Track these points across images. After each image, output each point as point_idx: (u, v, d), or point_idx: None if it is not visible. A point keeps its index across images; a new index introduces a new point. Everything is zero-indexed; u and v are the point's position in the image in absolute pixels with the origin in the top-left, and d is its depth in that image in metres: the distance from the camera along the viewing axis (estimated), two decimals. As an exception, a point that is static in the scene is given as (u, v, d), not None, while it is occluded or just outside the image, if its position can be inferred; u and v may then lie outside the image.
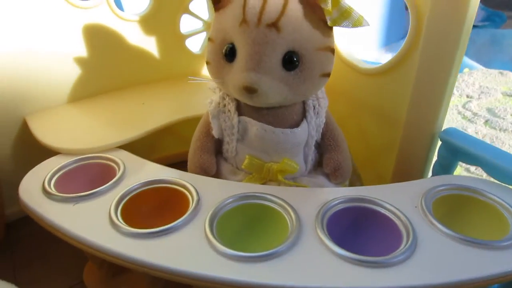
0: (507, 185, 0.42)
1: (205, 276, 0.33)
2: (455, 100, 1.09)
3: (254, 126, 0.43)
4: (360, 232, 0.38)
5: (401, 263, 0.33)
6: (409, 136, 0.49)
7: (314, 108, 0.44)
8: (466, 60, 1.28)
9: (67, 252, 0.54)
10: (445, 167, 0.47)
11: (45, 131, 0.54)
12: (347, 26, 0.38)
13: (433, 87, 0.44)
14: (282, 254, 0.33)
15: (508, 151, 0.87)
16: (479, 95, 1.11)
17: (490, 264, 0.33)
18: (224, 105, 0.44)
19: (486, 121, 0.98)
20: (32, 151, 0.58)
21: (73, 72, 0.61)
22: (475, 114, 1.01)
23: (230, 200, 0.39)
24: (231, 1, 0.39)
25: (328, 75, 0.41)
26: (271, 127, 0.42)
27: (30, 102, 0.59)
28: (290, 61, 0.38)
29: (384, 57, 1.48)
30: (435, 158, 0.49)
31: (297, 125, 0.43)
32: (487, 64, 1.31)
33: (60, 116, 0.59)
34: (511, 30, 1.54)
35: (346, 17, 0.37)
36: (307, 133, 0.44)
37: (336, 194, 0.40)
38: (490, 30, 1.53)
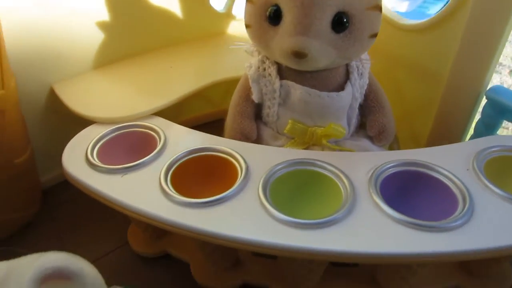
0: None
1: (263, 242, 0.33)
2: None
3: (297, 90, 0.42)
4: (412, 196, 0.38)
5: (459, 227, 0.33)
6: (451, 94, 0.48)
7: (357, 70, 0.43)
8: None
9: (109, 215, 0.54)
10: (489, 126, 0.46)
11: (75, 100, 0.53)
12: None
13: (484, 44, 0.42)
14: (339, 220, 0.34)
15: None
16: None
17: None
18: (264, 69, 0.43)
19: (511, 71, 0.96)
20: (61, 119, 0.59)
21: (97, 37, 0.59)
22: (499, 63, 0.99)
23: (280, 166, 0.39)
24: None
25: (376, 35, 0.40)
26: (316, 91, 0.41)
27: (56, 70, 0.57)
28: (340, 22, 0.37)
29: (400, 6, 1.42)
30: (477, 117, 0.48)
31: (340, 87, 0.42)
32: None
33: (87, 83, 0.58)
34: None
35: None
36: (351, 95, 0.43)
37: (386, 158, 0.39)
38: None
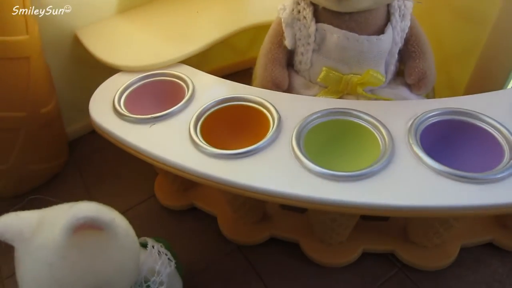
0: None
1: (297, 195, 0.32)
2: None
3: (334, 34, 0.39)
4: (455, 147, 0.36)
5: (506, 178, 0.31)
6: (498, 37, 0.44)
7: (399, 11, 0.40)
8: None
9: (136, 167, 0.55)
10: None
11: (100, 47, 0.52)
12: None
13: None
14: (377, 172, 0.32)
15: None
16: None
17: None
18: (299, 11, 0.41)
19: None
20: (86, 68, 0.57)
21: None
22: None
23: (314, 116, 0.37)
24: None
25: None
26: (355, 35, 0.38)
27: (79, 15, 0.55)
28: None
29: None
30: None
31: (380, 30, 0.40)
32: None
33: (112, 29, 0.56)
34: None
35: None
36: (391, 39, 0.40)
37: (426, 107, 0.37)
38: None
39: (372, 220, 0.45)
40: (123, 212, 0.30)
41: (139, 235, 0.32)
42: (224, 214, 0.48)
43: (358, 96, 0.41)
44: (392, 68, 0.42)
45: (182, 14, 0.57)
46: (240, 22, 0.54)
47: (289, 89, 0.44)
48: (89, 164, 0.60)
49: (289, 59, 0.44)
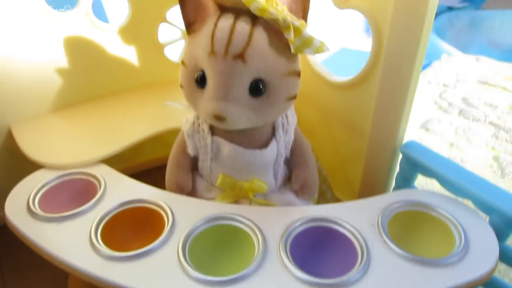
0: (459, 198, 0.45)
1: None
2: (432, 90, 1.12)
3: (226, 147, 0.45)
4: (323, 251, 0.41)
5: (355, 283, 0.36)
6: (374, 147, 0.52)
7: (283, 126, 0.47)
8: (444, 45, 1.30)
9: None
10: (406, 179, 0.50)
11: (30, 143, 0.56)
12: (309, 53, 0.40)
13: (393, 102, 0.46)
14: (247, 277, 0.37)
15: (480, 141, 0.91)
16: (455, 83, 1.13)
17: (437, 281, 0.36)
18: (199, 125, 0.47)
19: (460, 111, 1.01)
20: (18, 160, 0.60)
21: (56, 80, 0.62)
22: (450, 104, 1.04)
23: (202, 222, 0.42)
24: (202, 27, 0.41)
25: (294, 97, 0.43)
26: (242, 148, 0.45)
27: (14, 111, 0.60)
28: (257, 88, 0.40)
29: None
30: (398, 169, 0.52)
31: (266, 144, 0.46)
32: (465, 48, 1.33)
33: (44, 126, 0.61)
34: (491, 10, 1.55)
35: (308, 45, 0.39)
36: (276, 151, 0.46)
37: (300, 214, 0.43)
38: (470, 12, 1.53)
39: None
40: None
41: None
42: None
43: (250, 200, 0.47)
44: (280, 174, 0.49)
45: (111, 114, 0.63)
46: (164, 124, 0.60)
47: (193, 191, 0.49)
48: (10, 254, 0.60)
49: (195, 164, 0.50)
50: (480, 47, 1.37)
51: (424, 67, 1.21)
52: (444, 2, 1.57)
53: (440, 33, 1.38)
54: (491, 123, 0.96)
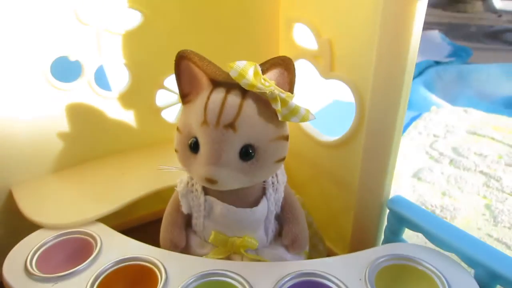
0: (444, 252, 0.47)
1: None
2: (423, 140, 1.15)
3: (218, 206, 0.47)
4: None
5: None
6: (362, 202, 0.54)
7: (273, 185, 0.49)
8: (434, 98, 1.35)
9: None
10: (394, 232, 0.52)
11: (29, 204, 0.58)
12: (296, 121, 0.43)
13: (377, 161, 0.49)
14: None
15: (471, 190, 0.93)
16: (445, 134, 1.17)
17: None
18: (192, 185, 0.49)
19: (451, 161, 1.04)
20: (18, 220, 0.61)
21: (57, 143, 0.65)
22: (441, 154, 1.07)
23: (194, 278, 0.43)
24: (196, 99, 0.44)
25: (283, 159, 0.46)
26: (233, 207, 0.47)
27: (15, 173, 0.62)
28: (246, 153, 0.43)
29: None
30: (386, 223, 0.54)
31: (258, 202, 0.48)
32: (454, 100, 1.38)
33: (44, 186, 0.63)
34: (477, 64, 1.62)
35: (295, 113, 0.42)
36: (266, 209, 0.49)
37: (290, 269, 0.44)
38: (458, 66, 1.61)
39: None
40: None
41: None
42: None
43: (242, 256, 0.48)
44: (271, 230, 0.50)
45: (109, 174, 0.66)
46: (159, 183, 0.62)
47: (187, 248, 0.51)
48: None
49: (189, 221, 0.52)
50: (469, 99, 1.42)
51: (414, 118, 1.25)
52: (431, 57, 1.65)
53: (429, 86, 1.44)
54: (481, 172, 0.98)
